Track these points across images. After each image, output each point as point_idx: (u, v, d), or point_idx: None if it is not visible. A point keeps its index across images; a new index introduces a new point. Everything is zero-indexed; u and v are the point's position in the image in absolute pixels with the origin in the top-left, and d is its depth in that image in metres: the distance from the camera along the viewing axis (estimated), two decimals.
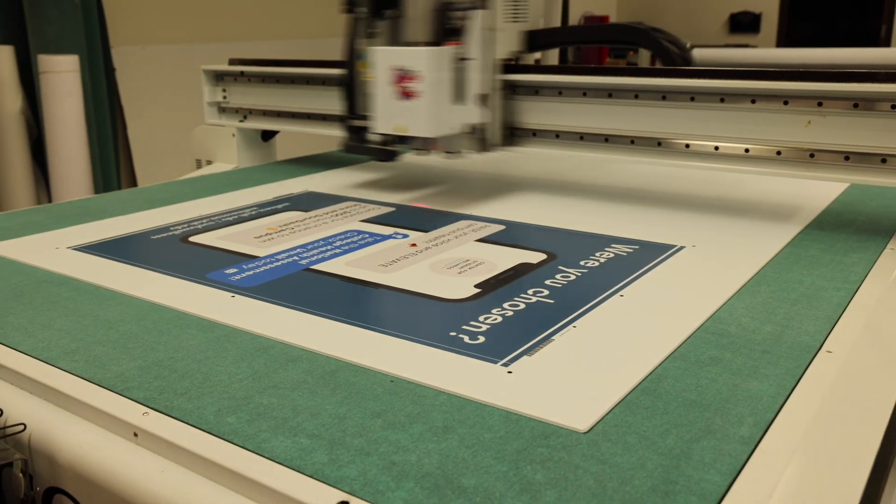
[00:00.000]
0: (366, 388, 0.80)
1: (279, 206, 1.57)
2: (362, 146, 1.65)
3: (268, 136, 2.14)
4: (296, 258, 1.23)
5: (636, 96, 1.47)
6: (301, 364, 0.86)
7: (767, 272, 1.14)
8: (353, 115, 1.66)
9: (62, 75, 3.25)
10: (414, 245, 1.28)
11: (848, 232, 1.34)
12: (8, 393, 0.85)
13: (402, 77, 1.46)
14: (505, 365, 0.84)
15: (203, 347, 0.90)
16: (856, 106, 1.28)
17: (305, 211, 1.53)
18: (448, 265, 1.18)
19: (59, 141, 3.30)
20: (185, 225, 1.44)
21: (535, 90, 1.61)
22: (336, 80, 1.74)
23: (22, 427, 0.79)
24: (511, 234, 1.34)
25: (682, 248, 1.25)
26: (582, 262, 1.18)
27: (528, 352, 0.87)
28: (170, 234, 1.38)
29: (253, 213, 1.52)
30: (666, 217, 1.44)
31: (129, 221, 1.48)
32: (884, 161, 1.27)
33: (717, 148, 1.42)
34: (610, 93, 1.50)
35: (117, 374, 0.84)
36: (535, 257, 1.21)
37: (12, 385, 0.87)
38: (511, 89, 1.63)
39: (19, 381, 0.86)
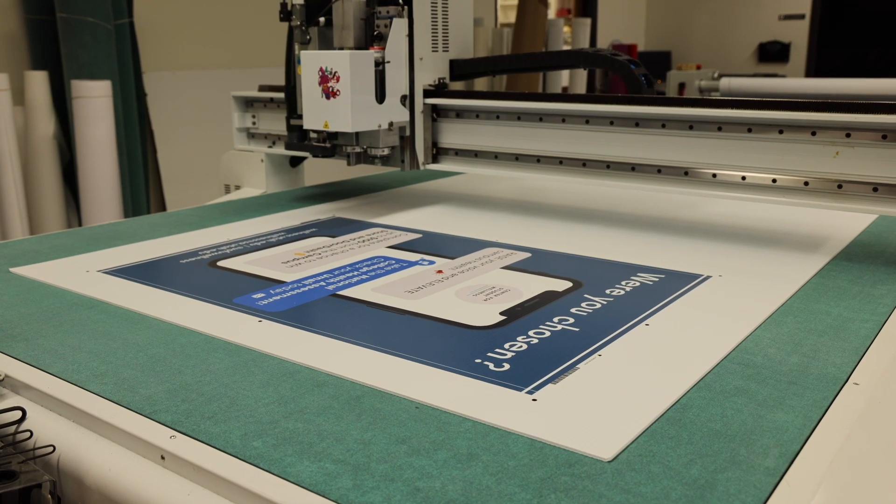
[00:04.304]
0: (391, 414, 0.80)
1: (307, 232, 1.58)
2: (301, 144, 1.80)
3: (296, 162, 2.16)
4: (323, 283, 1.23)
5: (663, 125, 1.48)
6: (327, 389, 0.86)
7: (794, 303, 1.13)
8: (294, 115, 1.79)
9: (95, 100, 3.30)
10: (440, 272, 1.28)
11: (876, 263, 1.33)
12: (38, 415, 0.86)
13: (327, 77, 1.58)
14: (530, 392, 0.84)
15: (230, 371, 0.91)
16: (884, 137, 1.27)
17: (333, 237, 1.54)
18: (474, 292, 1.18)
19: (90, 165, 3.35)
20: (214, 249, 1.45)
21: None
22: None
23: (51, 449, 0.80)
24: (537, 262, 1.34)
25: (708, 277, 1.24)
26: (608, 291, 1.18)
27: (552, 380, 0.87)
28: (198, 258, 1.40)
29: (281, 238, 1.54)
30: (692, 246, 1.44)
31: (159, 245, 1.50)
32: None
33: (744, 178, 1.41)
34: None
35: (145, 397, 0.85)
36: (561, 285, 1.21)
37: (42, 407, 0.88)
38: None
39: (49, 404, 0.87)
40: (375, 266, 1.33)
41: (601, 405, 0.82)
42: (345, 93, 1.56)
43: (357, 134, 1.69)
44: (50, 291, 1.22)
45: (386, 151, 1.73)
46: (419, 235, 1.54)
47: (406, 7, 1.68)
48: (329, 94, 1.58)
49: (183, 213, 1.84)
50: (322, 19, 1.71)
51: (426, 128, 1.78)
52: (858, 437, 0.76)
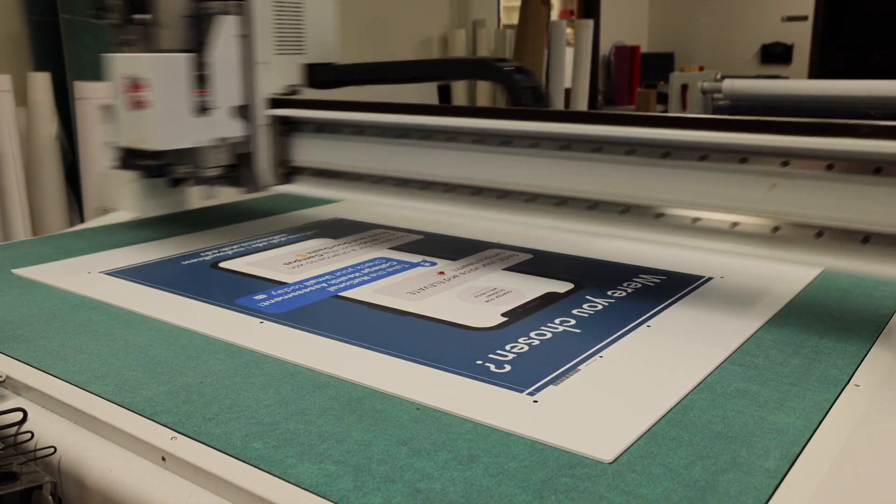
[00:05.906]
0: (392, 416, 0.80)
1: (309, 233, 1.58)
2: (130, 162, 1.50)
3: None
4: (324, 285, 1.23)
5: (564, 147, 1.24)
6: (328, 391, 0.86)
7: (796, 304, 1.13)
8: None
9: (97, 102, 3.30)
10: (442, 273, 1.28)
11: None
12: (39, 416, 0.86)
13: (135, 86, 1.37)
14: (531, 394, 0.84)
15: (231, 373, 0.91)
16: (830, 167, 0.99)
17: (334, 238, 1.54)
18: (475, 293, 1.18)
19: (93, 166, 3.34)
20: (216, 251, 1.45)
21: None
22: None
23: (52, 450, 0.80)
24: (539, 263, 1.34)
25: (710, 278, 1.24)
26: (609, 292, 1.18)
27: (553, 381, 0.87)
28: (200, 259, 1.40)
29: (283, 239, 1.54)
30: (694, 247, 1.43)
31: (161, 247, 1.50)
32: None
33: (660, 216, 1.16)
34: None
35: (146, 399, 0.85)
36: (563, 286, 1.21)
37: (43, 408, 0.88)
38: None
39: (50, 405, 0.87)
40: (377, 267, 1.33)
41: (602, 407, 0.82)
42: (156, 104, 1.35)
43: (183, 152, 1.46)
44: (51, 293, 1.22)
45: (216, 172, 1.49)
46: (421, 237, 1.54)
47: (240, 3, 1.45)
48: (138, 104, 1.37)
49: (184, 213, 1.83)
50: (144, 17, 1.45)
51: (272, 143, 1.52)
52: (859, 439, 0.76)
